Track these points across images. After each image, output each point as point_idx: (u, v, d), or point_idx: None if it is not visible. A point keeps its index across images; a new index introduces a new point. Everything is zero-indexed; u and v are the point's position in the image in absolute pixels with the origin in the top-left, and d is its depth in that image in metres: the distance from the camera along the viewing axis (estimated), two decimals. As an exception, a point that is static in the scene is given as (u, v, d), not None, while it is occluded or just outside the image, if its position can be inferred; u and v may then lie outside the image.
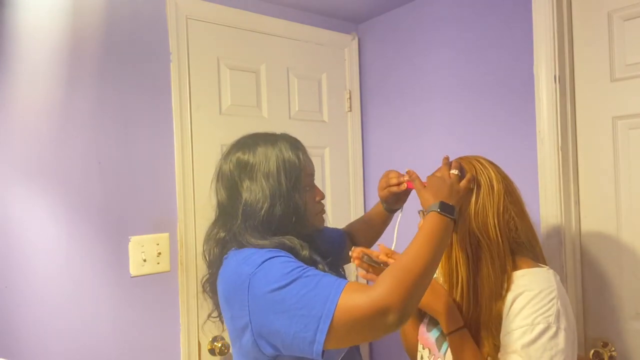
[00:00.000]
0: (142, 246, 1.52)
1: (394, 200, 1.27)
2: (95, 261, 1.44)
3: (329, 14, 2.03)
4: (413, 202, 1.31)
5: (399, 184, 1.20)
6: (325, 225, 1.19)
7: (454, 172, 1.03)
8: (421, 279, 0.85)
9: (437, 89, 1.83)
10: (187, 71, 1.64)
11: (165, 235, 1.58)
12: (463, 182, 1.02)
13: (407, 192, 1.24)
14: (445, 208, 0.94)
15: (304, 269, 0.89)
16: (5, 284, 1.29)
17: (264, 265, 0.91)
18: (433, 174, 1.08)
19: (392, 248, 1.12)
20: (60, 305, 1.37)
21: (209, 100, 1.70)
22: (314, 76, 2.01)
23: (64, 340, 1.38)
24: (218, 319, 1.14)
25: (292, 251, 0.99)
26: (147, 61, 1.56)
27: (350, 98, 2.11)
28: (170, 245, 1.59)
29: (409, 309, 0.83)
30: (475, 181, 1.04)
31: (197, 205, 1.63)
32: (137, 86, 1.53)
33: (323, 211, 1.15)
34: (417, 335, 1.18)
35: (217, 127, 1.70)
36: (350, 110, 2.12)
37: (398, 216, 1.28)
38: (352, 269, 2.07)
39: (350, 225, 1.46)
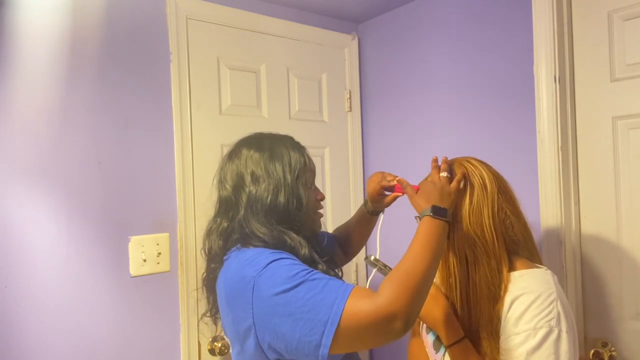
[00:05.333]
0: (142, 246, 1.52)
1: (379, 201, 1.30)
2: (95, 261, 1.44)
3: (329, 14, 2.04)
4: (396, 209, 1.33)
5: (391, 181, 1.23)
6: (322, 229, 1.21)
7: (444, 174, 1.05)
8: (423, 283, 0.85)
9: (437, 88, 1.83)
10: (187, 71, 1.64)
11: (165, 235, 1.58)
12: (453, 184, 1.03)
13: (393, 196, 1.28)
14: (437, 211, 0.96)
15: (309, 272, 0.89)
16: (5, 284, 1.29)
17: (269, 268, 0.90)
18: (424, 179, 1.10)
19: (377, 252, 1.14)
20: (60, 306, 1.37)
21: (209, 100, 1.70)
22: (314, 76, 2.01)
23: (64, 340, 1.38)
24: (211, 319, 1.13)
25: (293, 250, 0.99)
26: (147, 61, 1.56)
27: (350, 98, 2.11)
28: (170, 245, 1.59)
29: (414, 314, 0.84)
30: (467, 180, 1.04)
31: (197, 205, 1.63)
32: (137, 86, 1.53)
33: (321, 214, 1.16)
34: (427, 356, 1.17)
35: (217, 127, 1.70)
36: (350, 110, 2.12)
37: (379, 220, 1.31)
38: (350, 270, 2.07)
39: (337, 229, 1.48)
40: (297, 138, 1.16)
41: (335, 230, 1.48)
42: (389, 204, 1.30)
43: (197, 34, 1.68)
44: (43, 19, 1.37)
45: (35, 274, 1.34)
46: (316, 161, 2.03)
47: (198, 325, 1.61)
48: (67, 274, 1.39)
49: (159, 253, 1.56)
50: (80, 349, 1.40)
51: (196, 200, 1.63)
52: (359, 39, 2.15)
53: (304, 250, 1.00)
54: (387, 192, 1.27)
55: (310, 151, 1.16)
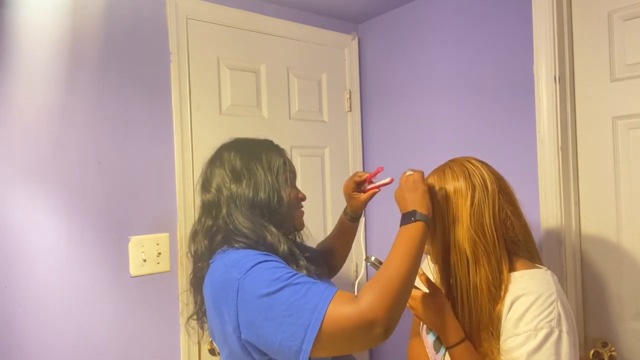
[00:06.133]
0: (142, 246, 1.52)
1: (355, 199, 1.30)
2: (95, 261, 1.44)
3: (329, 14, 2.04)
4: (393, 206, 1.33)
5: (362, 176, 1.28)
6: (306, 235, 1.21)
7: (408, 173, 1.05)
8: (402, 289, 0.86)
9: (437, 88, 1.83)
10: (187, 71, 1.64)
11: (165, 235, 1.58)
12: (415, 175, 1.03)
13: (370, 194, 1.30)
14: (404, 218, 0.98)
15: (293, 276, 0.89)
16: (5, 284, 1.29)
17: (254, 270, 0.91)
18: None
19: (364, 254, 1.15)
20: (60, 306, 1.37)
21: (209, 100, 1.70)
22: (314, 76, 2.01)
23: (64, 341, 1.38)
24: (197, 322, 1.14)
25: (272, 247, 1.00)
26: (147, 61, 1.56)
27: (350, 98, 2.11)
28: (170, 245, 1.59)
29: (394, 320, 0.84)
30: (423, 175, 1.04)
31: (197, 205, 1.62)
32: (137, 86, 1.53)
33: (303, 212, 1.18)
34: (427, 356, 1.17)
35: (217, 127, 1.70)
36: (350, 110, 2.12)
37: (362, 224, 1.37)
38: (350, 270, 2.07)
39: (319, 245, 1.47)
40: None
41: (317, 246, 1.46)
42: (365, 203, 1.30)
43: (197, 34, 1.68)
44: (43, 19, 1.37)
45: (35, 274, 1.34)
46: (316, 161, 2.04)
47: (197, 325, 1.60)
48: (67, 274, 1.39)
49: (159, 253, 1.56)
50: (80, 349, 1.40)
51: (196, 200, 1.62)
52: (359, 39, 2.15)
53: (283, 247, 1.01)
54: (360, 188, 1.29)
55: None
